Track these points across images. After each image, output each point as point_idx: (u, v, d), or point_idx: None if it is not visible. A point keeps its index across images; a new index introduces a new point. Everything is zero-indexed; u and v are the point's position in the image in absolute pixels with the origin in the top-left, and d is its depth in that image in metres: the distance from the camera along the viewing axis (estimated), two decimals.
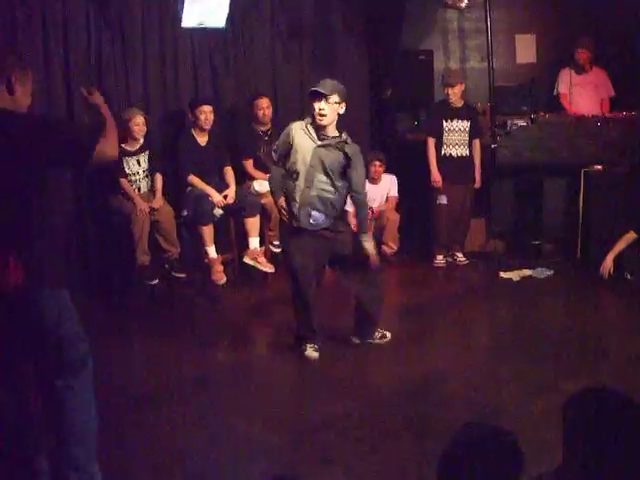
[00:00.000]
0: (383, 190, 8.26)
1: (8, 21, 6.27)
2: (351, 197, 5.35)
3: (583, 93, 8.19)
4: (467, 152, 7.85)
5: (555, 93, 8.34)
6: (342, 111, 5.13)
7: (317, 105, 5.00)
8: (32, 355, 3.40)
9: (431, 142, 7.81)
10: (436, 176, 7.78)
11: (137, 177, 6.91)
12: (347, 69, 8.46)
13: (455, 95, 7.73)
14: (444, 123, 7.78)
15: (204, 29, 7.45)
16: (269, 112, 7.50)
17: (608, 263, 6.89)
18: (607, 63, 8.22)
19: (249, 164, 7.51)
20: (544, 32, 8.65)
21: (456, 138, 7.81)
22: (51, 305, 3.35)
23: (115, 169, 6.72)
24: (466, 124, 7.80)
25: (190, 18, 7.23)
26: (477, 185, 7.95)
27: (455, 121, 7.78)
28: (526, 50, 8.72)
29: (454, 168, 7.78)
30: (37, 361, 3.42)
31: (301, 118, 5.35)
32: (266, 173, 6.70)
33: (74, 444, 3.42)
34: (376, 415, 4.54)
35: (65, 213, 6.66)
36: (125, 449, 4.18)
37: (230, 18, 7.46)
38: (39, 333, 3.33)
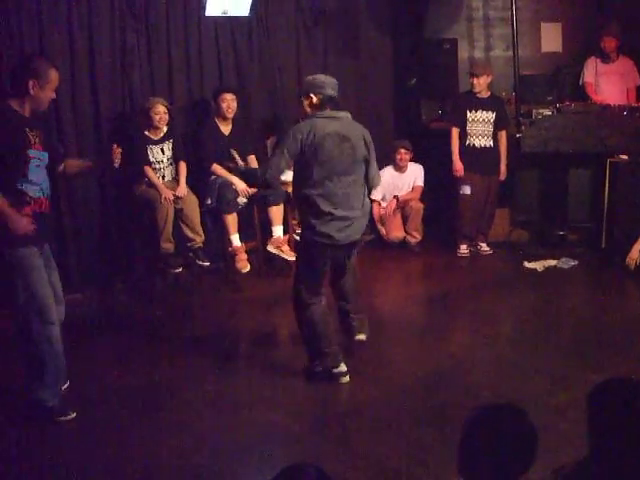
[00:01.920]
0: (409, 178, 8.26)
1: (34, 12, 6.31)
2: None
3: (609, 82, 8.13)
4: (491, 143, 7.80)
5: (581, 82, 8.27)
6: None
7: None
8: None
9: (455, 132, 7.77)
10: (458, 166, 7.75)
11: (161, 165, 6.93)
12: (371, 57, 8.44)
13: (480, 86, 7.67)
14: (468, 113, 7.74)
15: (228, 18, 7.46)
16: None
17: (634, 254, 6.83)
18: (633, 52, 8.14)
19: None
20: (570, 21, 8.59)
21: (480, 129, 7.76)
22: None
23: (139, 157, 6.76)
24: (491, 115, 7.75)
25: (214, 7, 7.24)
26: (502, 177, 7.91)
27: (480, 112, 7.74)
28: (552, 39, 8.66)
29: (477, 159, 7.74)
30: None
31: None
32: None
33: None
34: (398, 403, 4.55)
35: None
36: (145, 430, 4.24)
37: (254, 6, 7.46)
38: None
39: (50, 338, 4.24)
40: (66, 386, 4.60)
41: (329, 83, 4.84)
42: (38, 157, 4.22)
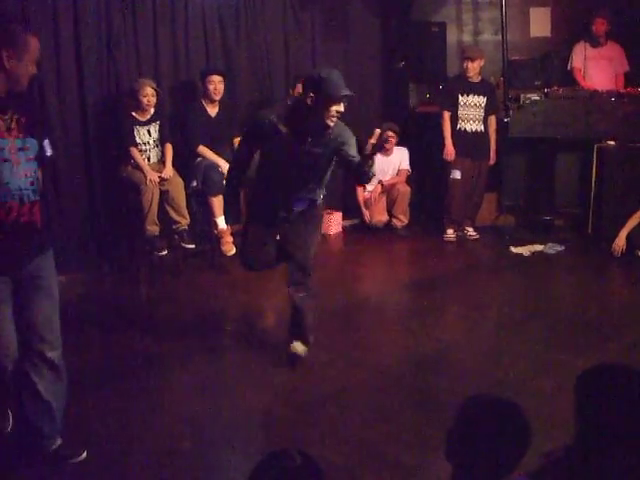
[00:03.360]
0: (395, 162, 8.24)
1: None
2: None
3: (597, 67, 8.11)
4: (482, 128, 7.79)
5: (569, 67, 8.25)
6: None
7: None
8: None
9: (447, 116, 7.75)
10: (450, 150, 7.72)
11: (147, 147, 6.88)
12: (359, 40, 8.41)
13: (474, 70, 7.65)
14: (459, 97, 7.71)
15: None
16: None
17: (621, 240, 6.86)
18: (622, 38, 8.12)
19: None
20: (559, 5, 8.55)
21: (471, 113, 7.74)
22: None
23: (125, 138, 6.71)
24: (482, 99, 7.73)
25: None
26: (492, 162, 7.90)
27: (471, 96, 7.72)
28: (541, 23, 8.63)
29: (468, 143, 7.73)
30: None
31: None
32: None
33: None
34: (385, 387, 4.54)
35: None
36: (133, 414, 4.22)
37: None
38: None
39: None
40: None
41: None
42: (10, 147, 3.31)
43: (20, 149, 3.34)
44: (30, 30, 3.46)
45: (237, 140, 7.18)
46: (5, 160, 3.27)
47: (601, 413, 2.19)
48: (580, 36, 8.17)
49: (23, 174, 3.34)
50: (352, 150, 4.53)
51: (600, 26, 7.97)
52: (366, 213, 8.27)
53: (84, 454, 3.71)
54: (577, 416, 2.25)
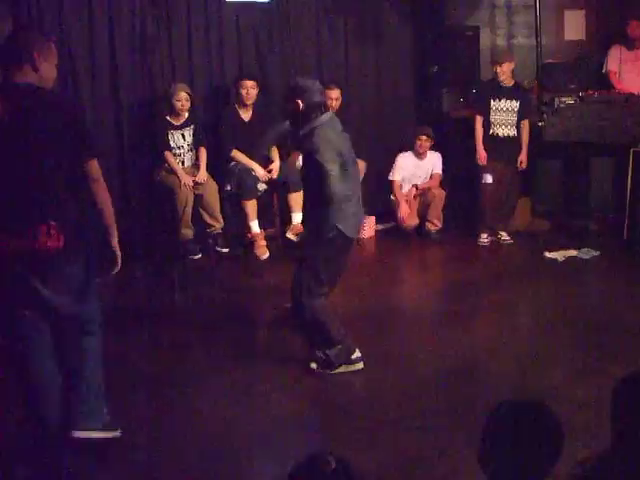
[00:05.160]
0: (428, 166, 8.21)
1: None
2: None
3: (633, 70, 8.04)
4: (514, 132, 7.71)
5: (604, 70, 8.19)
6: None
7: None
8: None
9: (479, 120, 7.70)
10: (482, 154, 7.68)
11: (181, 151, 6.94)
12: (392, 45, 8.40)
13: (504, 73, 7.58)
14: (491, 102, 7.67)
15: (249, 4, 7.44)
16: (336, 104, 7.41)
17: None
18: None
19: None
20: (594, 8, 8.49)
21: (503, 118, 7.69)
22: (79, 273, 3.63)
23: (160, 142, 6.77)
24: (515, 104, 7.66)
25: None
26: (523, 166, 7.84)
27: (503, 100, 7.66)
28: (575, 26, 8.57)
29: (500, 148, 7.67)
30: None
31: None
32: None
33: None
34: (419, 393, 4.53)
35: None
36: (164, 419, 4.25)
37: None
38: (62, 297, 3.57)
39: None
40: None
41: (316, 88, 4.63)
42: None
43: None
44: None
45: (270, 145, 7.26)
46: None
47: (637, 422, 2.17)
48: (615, 39, 8.10)
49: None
50: None
51: (635, 29, 7.90)
52: (404, 208, 8.11)
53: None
54: (613, 424, 2.23)
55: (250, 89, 7.09)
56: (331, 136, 4.51)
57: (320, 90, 4.62)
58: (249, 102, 7.15)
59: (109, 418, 3.86)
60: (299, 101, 4.47)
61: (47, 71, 3.56)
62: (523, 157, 7.81)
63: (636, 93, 7.66)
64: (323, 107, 4.55)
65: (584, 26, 8.56)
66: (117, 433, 3.87)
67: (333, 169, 4.38)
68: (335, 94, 7.40)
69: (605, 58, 8.17)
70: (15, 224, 3.41)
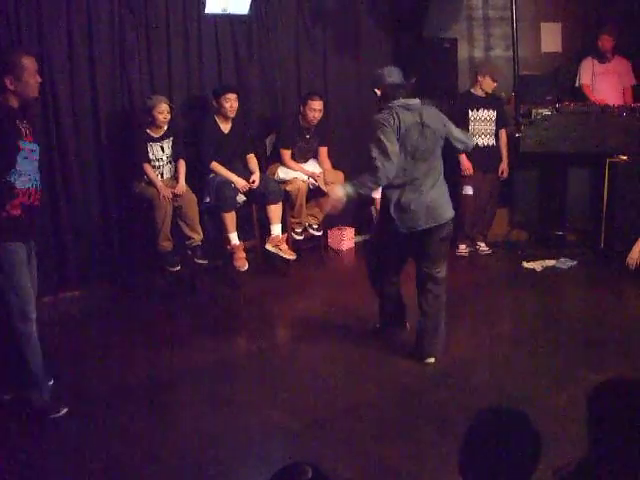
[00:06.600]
0: None
1: (33, 9, 6.27)
2: None
3: (605, 82, 8.15)
4: (493, 142, 7.82)
5: (577, 84, 8.29)
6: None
7: None
8: None
9: None
10: (467, 164, 7.71)
11: (160, 163, 6.92)
12: (371, 56, 8.42)
13: (487, 85, 7.68)
14: (469, 112, 7.73)
15: (227, 15, 7.45)
16: (319, 115, 7.49)
17: (634, 254, 6.81)
18: (629, 52, 8.16)
19: (287, 154, 7.54)
20: (570, 21, 8.58)
21: (482, 127, 7.76)
22: None
23: (139, 154, 6.75)
24: (492, 113, 7.76)
25: (214, 4, 7.24)
26: (504, 175, 7.90)
27: (481, 110, 7.74)
28: (552, 39, 8.65)
29: (480, 158, 7.71)
30: None
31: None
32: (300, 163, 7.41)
33: None
34: (399, 402, 4.55)
35: None
36: (146, 430, 4.24)
37: (254, 4, 7.45)
38: None
39: (30, 335, 4.25)
40: (51, 383, 4.55)
41: (389, 72, 5.03)
42: (30, 148, 4.20)
43: (32, 151, 4.23)
44: (19, 49, 4.51)
45: (250, 157, 7.26)
46: (26, 157, 4.16)
47: (613, 428, 2.19)
48: (587, 52, 8.20)
49: (36, 169, 4.26)
50: None
51: (606, 42, 8.04)
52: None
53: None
54: (589, 431, 2.25)
55: (233, 102, 7.07)
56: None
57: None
58: (232, 115, 7.13)
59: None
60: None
61: (22, 88, 4.11)
62: (504, 166, 7.88)
63: (611, 104, 7.74)
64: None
65: (560, 38, 8.64)
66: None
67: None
68: (319, 105, 7.44)
69: (578, 71, 8.26)
70: None
